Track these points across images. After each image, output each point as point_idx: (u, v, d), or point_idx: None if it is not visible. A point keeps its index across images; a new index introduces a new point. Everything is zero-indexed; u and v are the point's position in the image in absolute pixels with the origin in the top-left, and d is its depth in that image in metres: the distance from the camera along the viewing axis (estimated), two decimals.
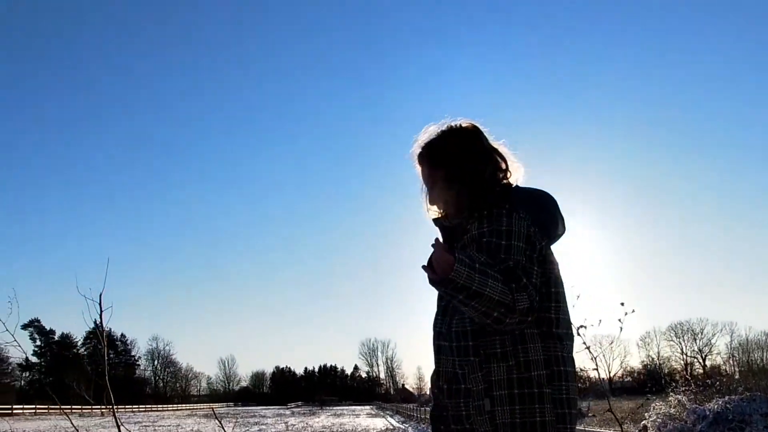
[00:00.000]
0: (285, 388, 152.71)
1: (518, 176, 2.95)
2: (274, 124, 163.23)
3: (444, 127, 2.96)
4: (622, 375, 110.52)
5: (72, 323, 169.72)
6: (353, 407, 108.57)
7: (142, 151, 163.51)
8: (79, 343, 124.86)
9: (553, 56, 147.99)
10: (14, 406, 66.93)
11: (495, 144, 2.94)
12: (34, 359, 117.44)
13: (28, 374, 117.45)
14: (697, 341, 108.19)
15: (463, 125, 2.96)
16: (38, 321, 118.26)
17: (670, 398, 19.99)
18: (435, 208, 3.03)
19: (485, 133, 2.95)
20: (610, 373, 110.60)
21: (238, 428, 41.56)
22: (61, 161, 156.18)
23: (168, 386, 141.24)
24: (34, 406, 70.90)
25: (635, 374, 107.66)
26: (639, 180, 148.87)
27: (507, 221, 2.63)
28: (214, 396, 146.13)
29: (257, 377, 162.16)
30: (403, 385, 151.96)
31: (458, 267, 2.40)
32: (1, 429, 35.74)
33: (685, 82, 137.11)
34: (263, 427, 44.27)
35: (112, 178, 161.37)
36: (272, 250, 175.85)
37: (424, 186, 3.05)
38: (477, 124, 2.96)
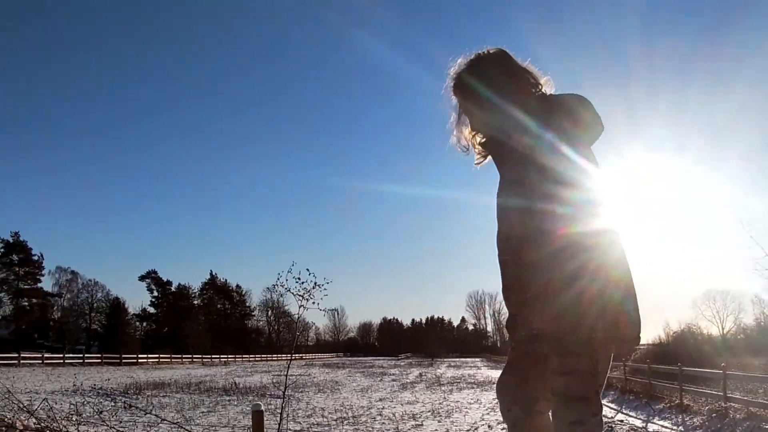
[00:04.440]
0: (392, 340, 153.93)
1: (549, 88, 3.10)
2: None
3: (472, 56, 3.10)
4: (736, 332, 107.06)
5: (189, 275, 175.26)
6: (464, 359, 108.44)
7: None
8: (196, 294, 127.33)
9: None
10: (139, 356, 68.63)
11: (523, 64, 3.08)
12: (151, 310, 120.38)
13: (146, 324, 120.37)
14: None
15: (491, 50, 3.10)
16: (155, 272, 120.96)
17: None
18: (478, 134, 3.21)
19: (512, 56, 3.09)
20: (723, 329, 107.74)
21: (367, 378, 41.77)
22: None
23: (280, 336, 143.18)
24: (157, 356, 72.58)
25: (748, 331, 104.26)
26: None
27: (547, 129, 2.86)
28: (322, 346, 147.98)
29: (364, 328, 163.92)
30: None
31: None
32: (143, 378, 36.37)
33: None
34: (393, 376, 44.41)
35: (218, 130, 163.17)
36: (383, 204, 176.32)
37: (459, 116, 3.20)
38: (503, 48, 3.11)
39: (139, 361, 65.89)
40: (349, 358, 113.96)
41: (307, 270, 5.13)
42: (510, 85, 3.02)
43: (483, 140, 3.20)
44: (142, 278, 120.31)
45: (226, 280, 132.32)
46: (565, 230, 2.78)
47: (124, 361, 62.56)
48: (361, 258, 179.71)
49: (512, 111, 2.97)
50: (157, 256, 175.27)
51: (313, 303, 4.63)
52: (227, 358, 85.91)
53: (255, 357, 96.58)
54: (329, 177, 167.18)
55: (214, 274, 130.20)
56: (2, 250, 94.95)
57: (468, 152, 3.24)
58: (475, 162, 3.23)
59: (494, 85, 3.01)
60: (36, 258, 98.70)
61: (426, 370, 55.54)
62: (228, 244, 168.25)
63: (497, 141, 3.10)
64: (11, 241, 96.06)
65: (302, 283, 5.43)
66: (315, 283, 5.23)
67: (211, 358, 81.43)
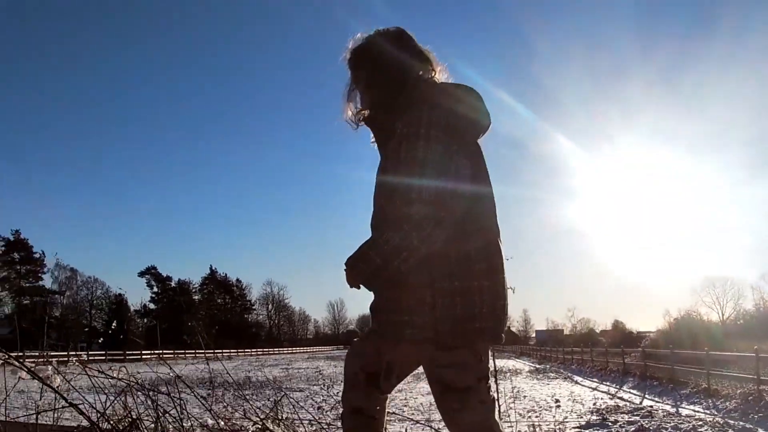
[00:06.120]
0: None
1: (443, 75, 3.08)
2: None
3: (371, 32, 3.08)
4: (735, 318, 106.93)
5: (188, 270, 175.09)
6: None
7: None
8: (196, 289, 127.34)
9: None
10: (143, 352, 68.55)
11: (421, 47, 3.06)
12: (151, 306, 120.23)
13: (146, 320, 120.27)
14: None
15: (390, 29, 3.07)
16: (155, 268, 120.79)
17: None
18: (364, 111, 3.14)
19: (412, 37, 3.07)
20: (723, 315, 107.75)
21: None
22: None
23: (281, 330, 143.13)
24: (159, 352, 72.26)
25: (747, 317, 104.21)
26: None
27: (426, 116, 2.75)
28: (321, 339, 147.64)
29: (364, 320, 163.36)
30: (509, 327, 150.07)
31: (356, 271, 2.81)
32: (153, 374, 36.03)
33: None
34: None
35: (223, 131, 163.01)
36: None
37: (350, 90, 3.15)
38: (403, 28, 3.08)
39: (143, 357, 65.72)
40: None
41: None
42: (401, 65, 3.01)
43: (367, 117, 3.15)
44: (141, 274, 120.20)
45: (226, 274, 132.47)
46: (416, 225, 2.68)
47: (127, 357, 62.40)
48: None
49: (396, 93, 2.97)
50: (156, 252, 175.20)
51: None
52: (230, 352, 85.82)
53: (257, 351, 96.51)
54: (333, 168, 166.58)
55: (213, 268, 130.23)
56: (3, 248, 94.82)
57: (357, 128, 3.19)
58: (371, 141, 3.19)
59: (386, 64, 3.01)
60: (37, 256, 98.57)
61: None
62: (227, 238, 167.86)
63: (380, 120, 3.08)
64: (12, 239, 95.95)
65: None
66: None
67: (213, 352, 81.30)
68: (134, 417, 3.10)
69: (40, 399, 3.44)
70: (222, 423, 3.33)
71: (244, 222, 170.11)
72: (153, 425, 3.14)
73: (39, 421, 3.45)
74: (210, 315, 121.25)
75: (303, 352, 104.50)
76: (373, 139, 3.16)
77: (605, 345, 51.79)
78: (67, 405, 2.80)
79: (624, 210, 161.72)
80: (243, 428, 3.49)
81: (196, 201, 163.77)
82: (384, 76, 3.02)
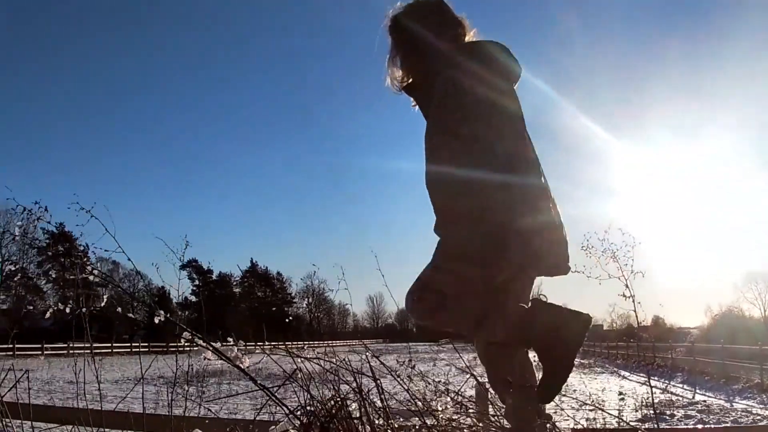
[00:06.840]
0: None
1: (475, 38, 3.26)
2: None
3: (411, 0, 3.30)
4: None
5: (229, 263, 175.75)
6: None
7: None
8: (237, 282, 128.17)
9: None
10: (185, 344, 69.22)
11: (458, 15, 3.26)
12: (192, 298, 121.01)
13: (187, 313, 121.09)
14: None
15: None
16: (196, 261, 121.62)
17: None
18: (407, 76, 3.34)
19: (449, 5, 3.27)
20: (766, 311, 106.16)
21: (420, 363, 41.68)
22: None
23: (321, 323, 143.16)
24: (203, 344, 73.04)
25: None
26: None
27: (452, 85, 2.98)
28: (360, 332, 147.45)
29: (403, 314, 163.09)
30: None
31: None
32: (197, 365, 36.33)
33: None
34: (445, 361, 44.18)
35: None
36: (418, 191, 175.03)
37: (393, 57, 3.33)
38: None
39: (186, 349, 66.33)
40: (391, 344, 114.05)
41: (620, 230, 5.03)
42: (440, 31, 3.20)
43: (410, 82, 3.34)
44: (183, 267, 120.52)
45: (266, 267, 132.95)
46: (466, 172, 2.91)
47: (170, 349, 63.05)
48: (402, 241, 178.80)
49: (438, 55, 3.15)
50: (198, 246, 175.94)
51: (626, 264, 4.57)
52: (271, 345, 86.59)
53: (298, 344, 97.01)
54: (374, 161, 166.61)
55: (254, 261, 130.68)
56: (48, 241, 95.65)
57: (400, 93, 3.36)
58: (412, 104, 3.35)
59: (426, 30, 3.19)
60: (81, 248, 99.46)
61: (476, 355, 55.53)
62: (269, 231, 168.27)
63: (418, 86, 3.29)
64: (56, 231, 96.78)
65: (611, 244, 5.35)
66: (632, 246, 5.10)
67: (255, 345, 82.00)
68: (342, 397, 3.16)
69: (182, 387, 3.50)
70: (420, 403, 3.45)
71: (285, 214, 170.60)
72: (357, 405, 3.26)
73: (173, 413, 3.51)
74: (250, 308, 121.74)
75: (343, 345, 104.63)
76: (414, 103, 3.35)
77: (651, 340, 51.47)
78: (259, 389, 2.91)
79: (661, 202, 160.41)
80: (437, 409, 3.63)
81: (238, 193, 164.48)
82: (421, 42, 3.20)
